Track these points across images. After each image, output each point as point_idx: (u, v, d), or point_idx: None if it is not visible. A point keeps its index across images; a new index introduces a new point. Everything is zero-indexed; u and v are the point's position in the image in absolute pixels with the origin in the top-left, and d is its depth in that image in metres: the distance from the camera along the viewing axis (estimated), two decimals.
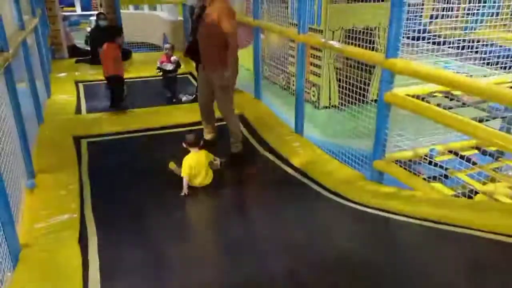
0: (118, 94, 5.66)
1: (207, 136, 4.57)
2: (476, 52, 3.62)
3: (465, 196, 3.07)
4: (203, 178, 3.75)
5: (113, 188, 3.79)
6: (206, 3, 3.75)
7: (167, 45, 6.12)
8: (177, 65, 6.05)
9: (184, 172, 3.66)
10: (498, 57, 3.79)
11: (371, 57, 3.47)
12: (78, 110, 5.77)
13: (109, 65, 5.48)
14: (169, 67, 5.98)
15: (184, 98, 6.06)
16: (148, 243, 3.00)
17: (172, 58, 5.99)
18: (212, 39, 3.77)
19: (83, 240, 2.96)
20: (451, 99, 3.33)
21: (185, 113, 5.38)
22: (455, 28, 4.35)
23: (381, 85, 3.34)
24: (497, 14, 4.14)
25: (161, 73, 6.05)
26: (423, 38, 3.39)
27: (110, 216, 3.33)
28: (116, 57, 5.51)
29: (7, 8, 4.34)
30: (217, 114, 4.45)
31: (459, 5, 4.93)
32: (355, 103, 4.17)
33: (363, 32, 4.18)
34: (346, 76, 4.68)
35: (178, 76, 6.24)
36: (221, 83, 3.95)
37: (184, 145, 3.78)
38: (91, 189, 3.73)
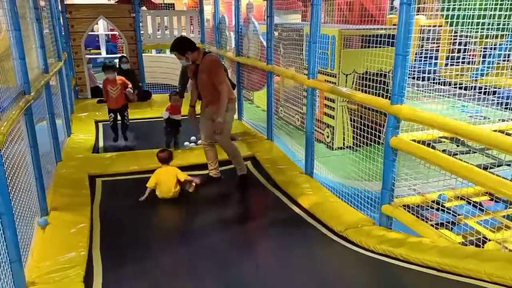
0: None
1: (214, 174, 4.83)
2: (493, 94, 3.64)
3: (474, 244, 3.00)
4: (169, 189, 4.34)
5: (123, 228, 3.86)
6: (198, 61, 4.49)
7: (176, 96, 5.90)
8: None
9: (149, 183, 4.39)
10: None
11: (377, 102, 3.53)
12: (95, 149, 5.96)
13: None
14: (177, 117, 5.85)
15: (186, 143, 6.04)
16: (153, 285, 3.02)
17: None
18: (209, 86, 4.49)
19: (88, 280, 3.01)
20: (457, 145, 3.32)
21: (199, 155, 5.45)
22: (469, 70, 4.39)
23: (387, 130, 3.37)
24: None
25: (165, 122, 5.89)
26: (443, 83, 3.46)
27: (117, 256, 3.37)
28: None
29: (33, 53, 4.63)
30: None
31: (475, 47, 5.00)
32: (369, 144, 4.18)
33: (377, 75, 4.25)
34: (360, 117, 4.73)
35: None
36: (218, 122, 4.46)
37: (158, 160, 4.54)
38: (101, 229, 3.80)
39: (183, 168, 4.70)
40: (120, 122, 6.29)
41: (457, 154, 2.98)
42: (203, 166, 4.95)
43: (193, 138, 6.15)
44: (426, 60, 3.70)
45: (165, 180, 4.36)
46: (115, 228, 3.84)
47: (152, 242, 3.59)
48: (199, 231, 3.82)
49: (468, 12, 3.61)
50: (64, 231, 3.59)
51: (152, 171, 4.95)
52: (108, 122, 6.23)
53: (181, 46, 4.43)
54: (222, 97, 4.34)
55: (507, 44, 5.24)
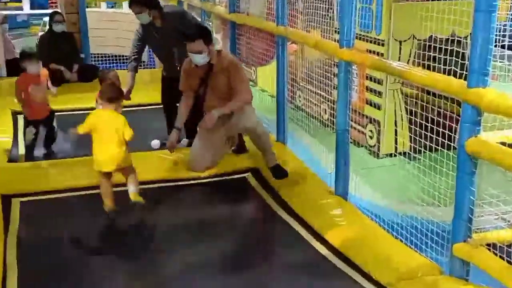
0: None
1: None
2: None
3: None
4: (111, 152, 4.37)
5: (53, 270, 3.93)
6: (213, 60, 5.16)
7: (112, 73, 5.92)
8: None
9: (81, 128, 4.39)
10: None
11: (445, 85, 3.53)
12: (13, 156, 6.03)
13: None
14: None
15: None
16: None
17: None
18: (224, 92, 5.25)
19: None
20: None
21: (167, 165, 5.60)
22: None
23: (462, 127, 3.38)
24: None
25: None
26: None
27: None
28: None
29: None
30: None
31: None
32: (436, 149, 4.20)
33: (447, 43, 4.26)
34: (422, 107, 4.73)
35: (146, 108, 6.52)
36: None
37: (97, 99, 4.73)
38: (18, 273, 3.84)
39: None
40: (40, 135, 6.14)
41: None
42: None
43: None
44: None
45: (104, 127, 4.41)
46: (40, 270, 3.90)
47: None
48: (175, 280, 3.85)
49: None
50: None
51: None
52: (25, 140, 6.10)
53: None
54: (241, 98, 5.14)
55: None
